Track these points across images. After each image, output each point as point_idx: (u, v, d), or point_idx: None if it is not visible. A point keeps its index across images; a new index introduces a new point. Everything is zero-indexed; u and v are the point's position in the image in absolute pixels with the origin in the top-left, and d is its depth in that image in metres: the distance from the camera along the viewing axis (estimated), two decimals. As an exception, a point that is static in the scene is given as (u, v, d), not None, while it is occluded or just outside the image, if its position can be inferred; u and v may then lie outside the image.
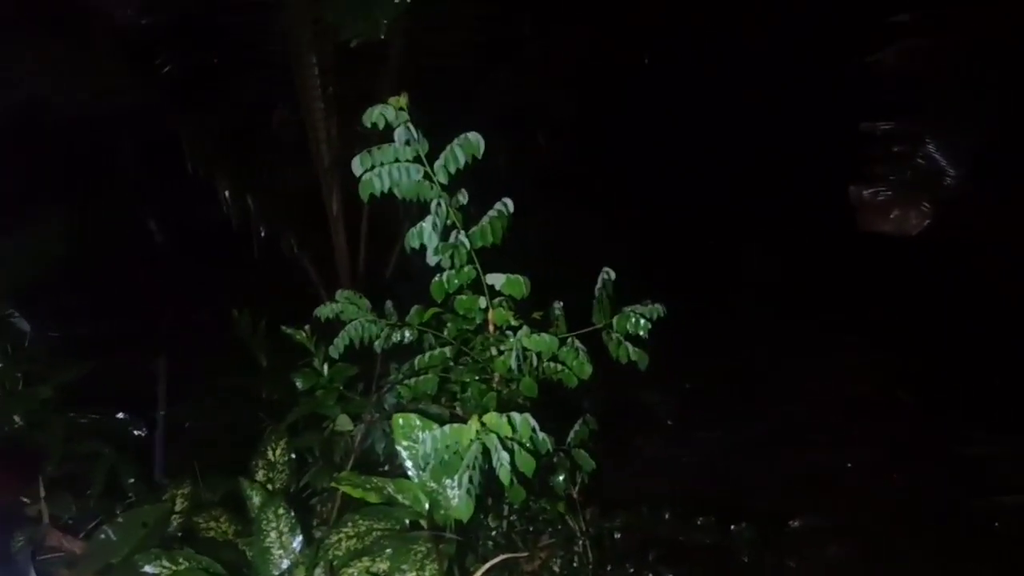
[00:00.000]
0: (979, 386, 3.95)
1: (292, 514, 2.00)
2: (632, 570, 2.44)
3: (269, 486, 2.30)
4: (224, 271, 4.58)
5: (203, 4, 3.80)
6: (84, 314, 4.06)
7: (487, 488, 1.86)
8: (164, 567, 1.89)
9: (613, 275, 2.20)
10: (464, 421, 1.76)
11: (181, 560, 1.90)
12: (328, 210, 4.05)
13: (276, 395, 3.09)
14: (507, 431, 1.75)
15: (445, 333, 2.27)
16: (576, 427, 2.33)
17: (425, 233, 1.95)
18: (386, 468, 2.31)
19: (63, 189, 4.41)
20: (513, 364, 2.07)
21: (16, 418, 2.66)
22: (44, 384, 2.76)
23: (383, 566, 1.80)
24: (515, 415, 1.77)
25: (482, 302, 2.14)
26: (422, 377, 2.26)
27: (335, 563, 1.86)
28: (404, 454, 1.92)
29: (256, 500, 2.16)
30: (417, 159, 1.92)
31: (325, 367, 2.48)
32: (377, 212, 3.95)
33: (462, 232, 2.01)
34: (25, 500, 2.47)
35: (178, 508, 2.26)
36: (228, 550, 2.09)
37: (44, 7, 3.47)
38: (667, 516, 2.59)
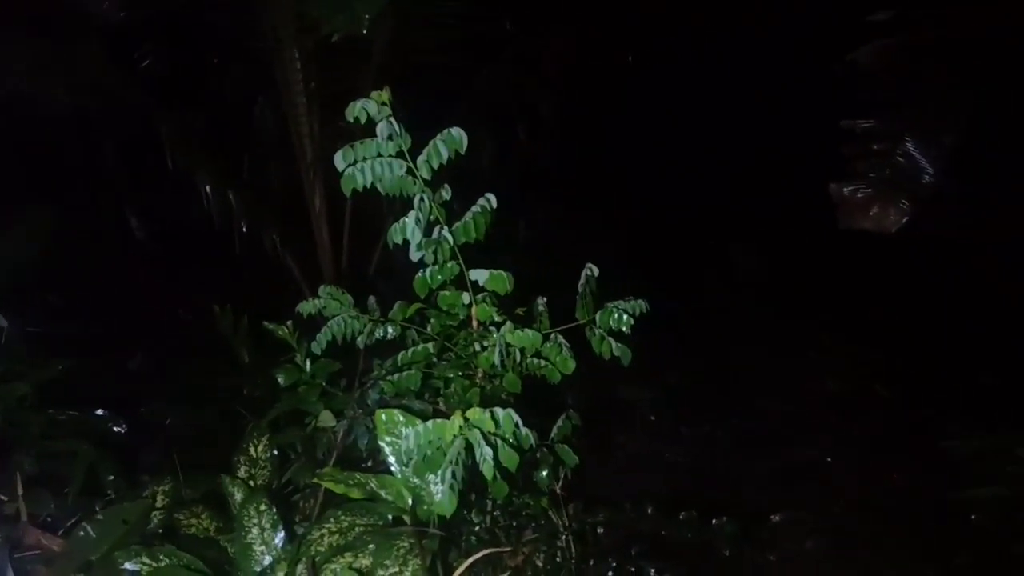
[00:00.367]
0: (955, 381, 4.01)
1: (274, 510, 2.00)
2: (614, 565, 2.45)
3: (251, 482, 2.30)
4: (206, 268, 4.54)
5: (184, -1, 3.76)
6: (63, 311, 4.02)
7: (470, 483, 1.87)
8: (144, 564, 1.88)
9: (596, 271, 2.20)
10: (447, 417, 1.76)
11: (162, 557, 1.90)
12: (311, 206, 4.03)
13: (258, 391, 3.09)
14: (490, 427, 1.75)
15: (428, 329, 2.27)
16: (559, 423, 2.33)
17: (408, 228, 1.95)
18: (369, 464, 2.31)
19: (43, 186, 4.36)
20: (496, 360, 2.08)
21: (-6, 415, 2.63)
22: (22, 381, 2.73)
23: (365, 562, 1.80)
24: (498, 411, 1.78)
25: (465, 298, 2.14)
26: (405, 373, 2.26)
27: (317, 559, 1.86)
28: (387, 450, 1.92)
29: (238, 497, 2.15)
30: (400, 154, 1.92)
31: (308, 363, 2.47)
32: (361, 208, 3.94)
33: (445, 228, 2.01)
34: (2, 497, 2.44)
35: (159, 505, 2.25)
36: (209, 547, 2.08)
37: (22, 2, 3.42)
38: (649, 511, 2.60)
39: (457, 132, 1.93)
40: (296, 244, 4.08)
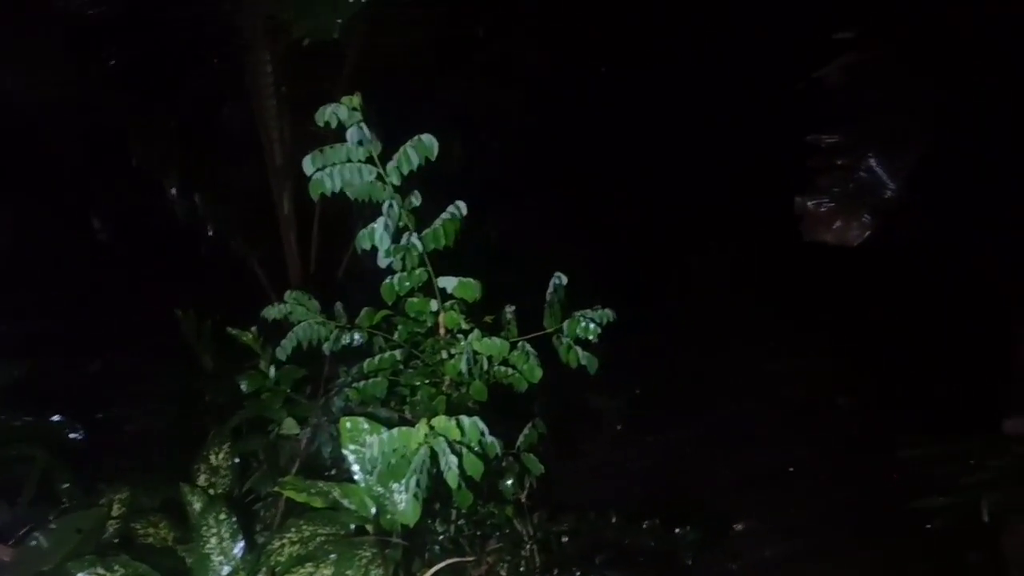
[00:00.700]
0: (915, 389, 4.09)
1: (234, 519, 1.97)
2: (578, 574, 2.45)
3: (211, 491, 2.25)
4: (170, 270, 4.47)
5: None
6: (19, 312, 3.91)
7: (435, 492, 1.86)
8: (98, 574, 1.83)
9: (565, 280, 2.21)
10: (413, 425, 1.75)
11: (116, 567, 1.85)
12: (279, 210, 3.98)
13: (221, 397, 3.02)
14: (456, 435, 1.74)
15: (395, 336, 2.25)
16: (526, 431, 2.33)
17: (376, 234, 1.94)
18: (333, 472, 2.28)
19: (2, 184, 4.25)
20: (463, 367, 2.07)
21: (-57, 421, 2.55)
22: (-27, 385, 2.66)
23: (327, 572, 1.78)
24: (464, 419, 1.77)
25: (433, 305, 2.13)
26: (371, 380, 2.24)
27: (277, 569, 1.83)
28: (351, 458, 1.90)
29: (197, 505, 2.11)
30: (370, 160, 1.91)
31: (272, 369, 2.43)
32: (330, 213, 3.91)
33: (414, 234, 2.00)
34: (-49, 506, 2.37)
35: (115, 514, 2.20)
36: (167, 557, 2.04)
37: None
38: (614, 520, 2.62)
39: (428, 139, 1.92)
40: (263, 248, 4.03)
